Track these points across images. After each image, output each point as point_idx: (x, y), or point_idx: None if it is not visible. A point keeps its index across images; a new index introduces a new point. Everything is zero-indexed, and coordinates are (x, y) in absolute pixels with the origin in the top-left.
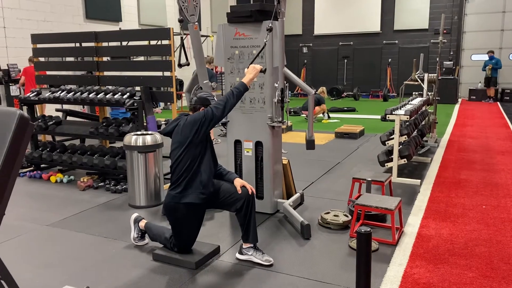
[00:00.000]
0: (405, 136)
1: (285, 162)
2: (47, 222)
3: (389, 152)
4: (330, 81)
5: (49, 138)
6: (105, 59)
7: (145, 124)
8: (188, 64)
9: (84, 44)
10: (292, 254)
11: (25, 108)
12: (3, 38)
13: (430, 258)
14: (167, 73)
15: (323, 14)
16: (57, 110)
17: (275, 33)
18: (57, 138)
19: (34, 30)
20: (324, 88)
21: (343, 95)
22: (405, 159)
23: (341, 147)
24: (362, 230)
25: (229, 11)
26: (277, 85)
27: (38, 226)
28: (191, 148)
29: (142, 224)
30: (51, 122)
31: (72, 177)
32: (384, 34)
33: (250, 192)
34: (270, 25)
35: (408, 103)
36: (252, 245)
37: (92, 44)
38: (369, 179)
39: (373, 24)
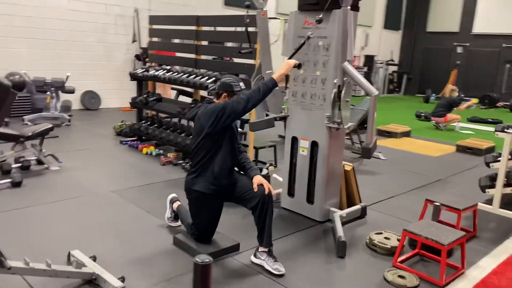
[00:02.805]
0: None
1: (348, 168)
2: (112, 188)
3: (496, 176)
4: (484, 87)
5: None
6: (204, 43)
7: None
8: (250, 52)
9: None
10: (314, 270)
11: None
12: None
13: None
14: (250, 61)
15: (487, 10)
16: (172, 88)
17: (338, 24)
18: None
19: (174, 13)
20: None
21: (497, 105)
22: None
23: (455, 163)
24: (200, 260)
25: None
26: (336, 81)
27: (103, 191)
28: (207, 139)
29: (175, 205)
30: (152, 99)
31: (161, 151)
32: None
33: (266, 192)
34: (319, 16)
35: None
36: (266, 250)
37: (194, 27)
38: (438, 203)
39: None
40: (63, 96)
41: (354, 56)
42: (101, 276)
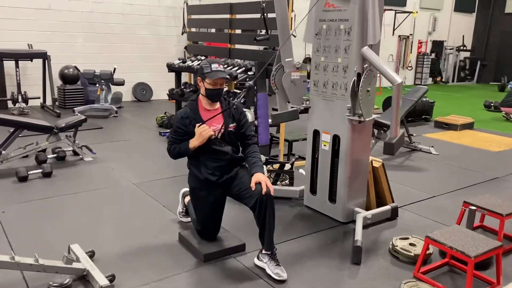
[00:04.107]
0: None
1: (377, 165)
2: (136, 181)
3: None
4: None
5: None
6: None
7: (255, 100)
8: (267, 39)
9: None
10: (321, 277)
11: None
12: None
13: None
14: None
15: None
16: None
17: (359, 5)
18: None
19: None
20: None
21: None
22: None
23: None
24: (56, 283)
25: None
26: (355, 68)
27: (127, 183)
28: None
29: (187, 200)
30: (188, 90)
31: None
32: None
33: (264, 192)
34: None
35: None
36: (268, 252)
37: (227, 16)
38: (474, 207)
39: None
40: (115, 88)
41: (420, 42)
42: (91, 273)
